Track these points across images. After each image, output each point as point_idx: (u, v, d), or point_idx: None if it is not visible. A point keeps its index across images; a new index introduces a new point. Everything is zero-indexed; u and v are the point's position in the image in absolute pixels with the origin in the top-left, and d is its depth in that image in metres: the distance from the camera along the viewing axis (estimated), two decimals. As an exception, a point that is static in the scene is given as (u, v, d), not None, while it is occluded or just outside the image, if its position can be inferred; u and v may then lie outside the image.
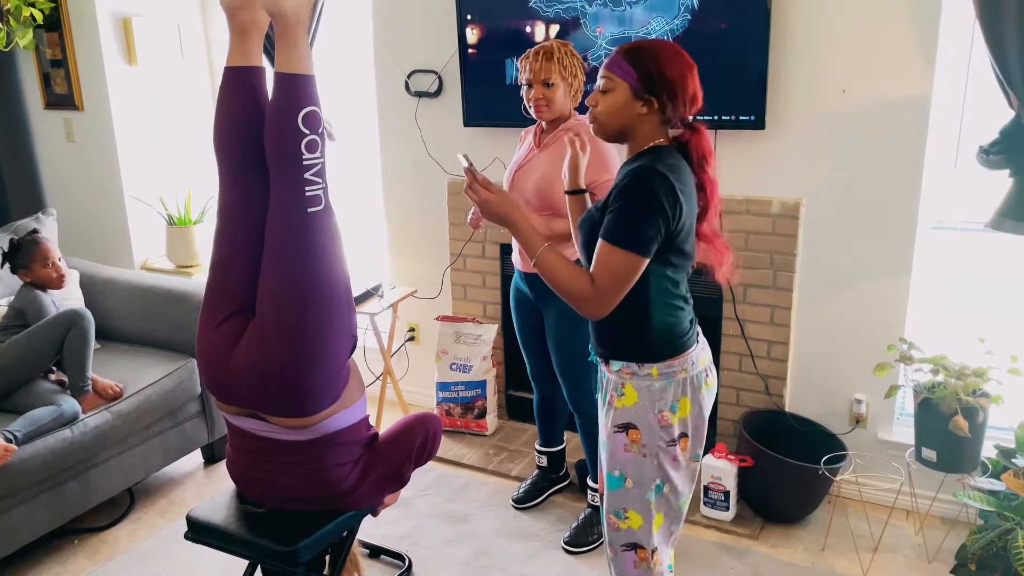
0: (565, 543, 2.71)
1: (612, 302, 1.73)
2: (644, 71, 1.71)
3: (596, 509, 2.78)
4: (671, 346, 1.81)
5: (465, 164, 1.85)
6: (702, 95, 1.78)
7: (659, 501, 1.88)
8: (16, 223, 3.32)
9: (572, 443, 3.18)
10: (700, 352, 1.86)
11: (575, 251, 2.02)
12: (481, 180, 1.82)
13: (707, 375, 1.87)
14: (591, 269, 1.73)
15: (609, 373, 1.89)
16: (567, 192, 2.04)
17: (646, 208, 1.67)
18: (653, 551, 1.90)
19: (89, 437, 2.67)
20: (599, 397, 1.99)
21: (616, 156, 2.45)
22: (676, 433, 1.83)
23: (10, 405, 2.69)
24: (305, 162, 1.84)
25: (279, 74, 1.84)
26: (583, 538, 2.72)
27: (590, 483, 2.79)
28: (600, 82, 1.77)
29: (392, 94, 3.49)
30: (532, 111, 2.50)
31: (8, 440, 2.48)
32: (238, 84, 1.94)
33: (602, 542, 2.64)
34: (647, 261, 1.71)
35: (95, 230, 3.95)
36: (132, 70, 3.73)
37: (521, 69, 2.50)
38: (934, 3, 2.49)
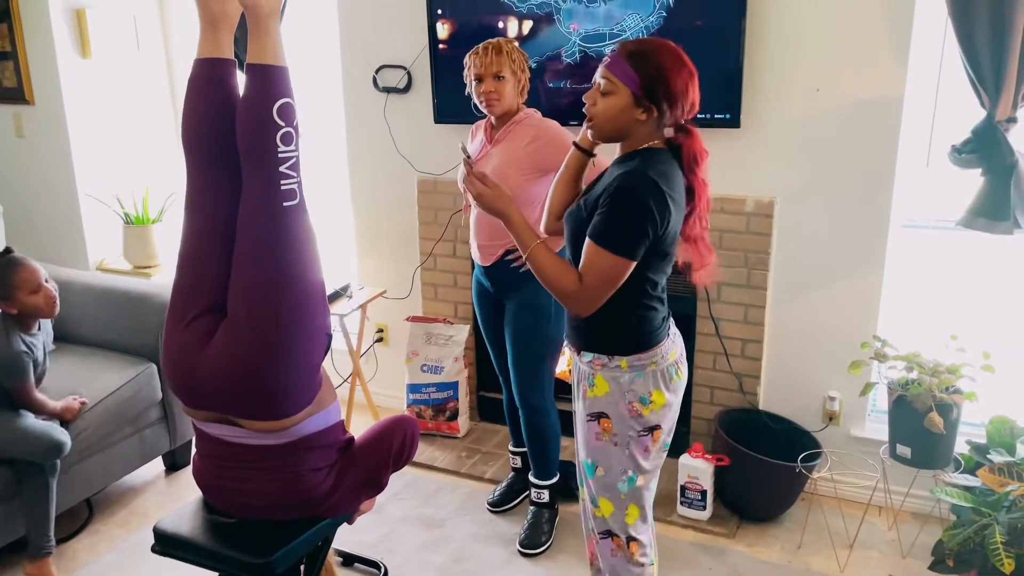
0: (521, 545, 2.68)
1: (598, 301, 1.75)
2: (647, 78, 1.70)
3: (540, 507, 2.75)
4: (640, 340, 1.84)
5: (464, 156, 1.90)
6: (699, 101, 1.78)
7: (632, 492, 1.90)
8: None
9: (546, 444, 3.14)
10: (671, 345, 1.89)
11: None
12: (477, 173, 1.84)
13: (678, 367, 1.90)
14: (579, 268, 1.75)
15: (581, 363, 1.92)
16: (578, 147, 1.94)
17: (636, 214, 1.68)
18: (629, 540, 1.93)
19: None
20: (573, 386, 2.01)
21: (571, 136, 2.44)
22: (648, 423, 1.86)
23: None
24: (280, 155, 1.79)
25: (252, 65, 1.78)
26: (536, 539, 2.69)
27: (532, 479, 2.75)
28: (600, 82, 1.76)
29: (359, 90, 3.41)
30: (483, 106, 2.51)
31: (48, 554, 2.44)
32: (208, 76, 1.88)
33: (551, 543, 2.69)
34: (633, 264, 1.72)
35: (47, 230, 3.79)
36: (86, 63, 3.59)
37: (469, 65, 2.51)
38: (907, 3, 2.51)
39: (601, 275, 1.72)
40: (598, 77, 1.77)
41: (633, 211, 1.68)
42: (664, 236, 1.73)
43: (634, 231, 1.69)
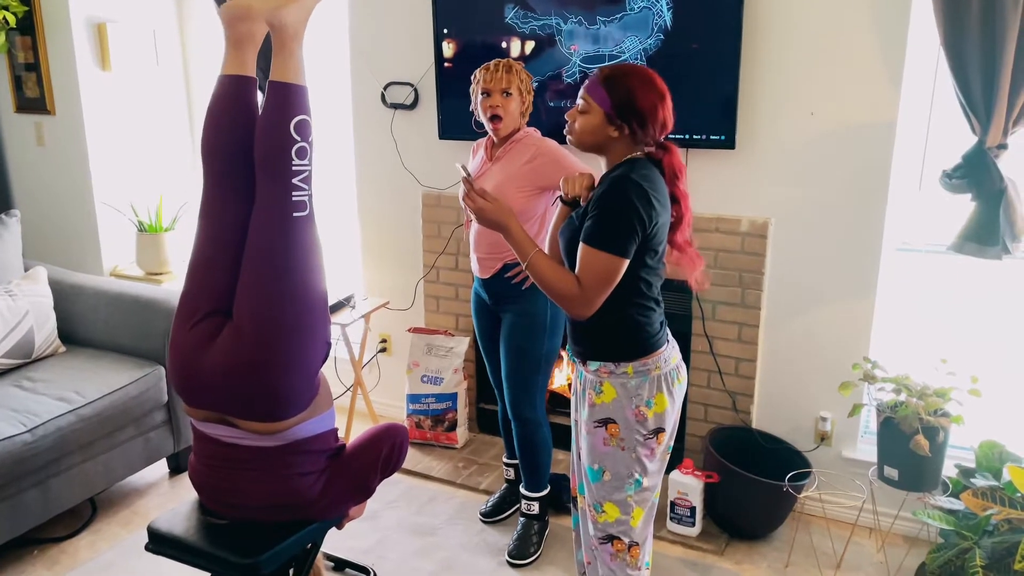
0: (509, 555, 2.71)
1: (597, 301, 1.84)
2: (618, 100, 1.83)
3: (530, 518, 2.79)
4: (643, 345, 1.91)
5: (463, 174, 1.96)
6: (673, 120, 1.89)
7: (638, 495, 1.97)
8: (-20, 224, 3.28)
9: (541, 457, 3.18)
10: (671, 351, 1.97)
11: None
12: (478, 189, 1.93)
13: (679, 372, 1.98)
14: (576, 271, 1.85)
15: (587, 372, 1.99)
16: (563, 201, 2.06)
17: (623, 214, 1.79)
18: (631, 545, 1.99)
19: (50, 440, 2.63)
20: (573, 397, 2.08)
21: (569, 155, 2.53)
22: (653, 427, 1.93)
23: None
24: (294, 167, 1.89)
25: (274, 82, 1.90)
26: (525, 550, 2.72)
27: (523, 491, 2.80)
28: (579, 102, 1.90)
29: (368, 105, 3.49)
30: (487, 119, 2.57)
31: None
32: (231, 92, 1.99)
33: (540, 554, 2.74)
34: (627, 262, 1.82)
35: (64, 235, 3.91)
36: (105, 75, 3.70)
37: (478, 79, 2.58)
38: (900, 30, 2.55)
39: (597, 275, 1.81)
40: (578, 98, 1.90)
41: (621, 211, 1.79)
42: (652, 234, 1.83)
43: (624, 230, 1.79)
